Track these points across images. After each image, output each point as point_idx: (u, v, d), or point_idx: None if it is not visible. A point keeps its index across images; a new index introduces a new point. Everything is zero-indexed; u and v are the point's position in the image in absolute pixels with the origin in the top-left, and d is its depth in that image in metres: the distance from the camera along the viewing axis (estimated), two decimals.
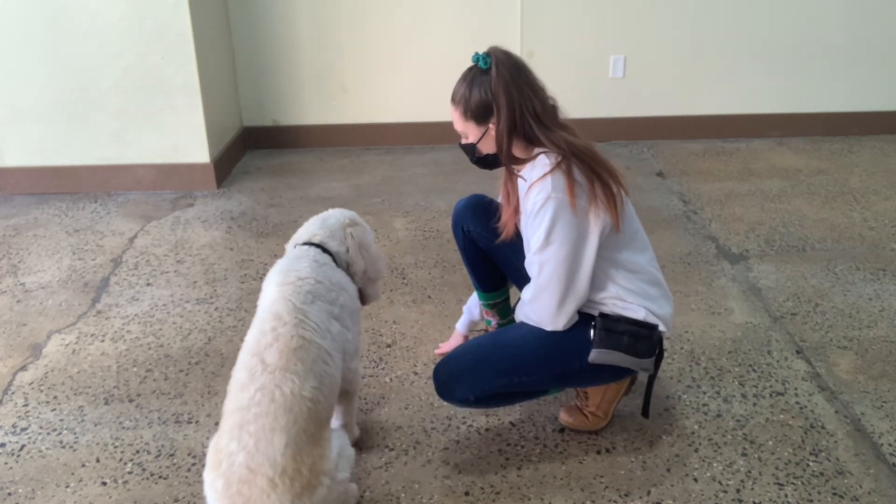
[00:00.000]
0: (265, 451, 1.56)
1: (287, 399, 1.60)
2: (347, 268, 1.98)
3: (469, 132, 1.92)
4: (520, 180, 1.93)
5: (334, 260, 1.94)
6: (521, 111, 1.83)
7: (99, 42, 3.78)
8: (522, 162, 1.91)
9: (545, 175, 1.81)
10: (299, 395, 1.62)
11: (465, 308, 2.47)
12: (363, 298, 2.07)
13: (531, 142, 1.87)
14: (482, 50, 1.88)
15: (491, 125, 1.87)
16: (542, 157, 1.85)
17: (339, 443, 1.70)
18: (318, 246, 1.95)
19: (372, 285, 2.08)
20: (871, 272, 3.00)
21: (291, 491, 1.55)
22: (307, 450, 1.59)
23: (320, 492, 1.58)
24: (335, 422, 1.96)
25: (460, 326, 2.47)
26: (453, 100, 1.91)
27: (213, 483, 1.62)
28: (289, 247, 2.02)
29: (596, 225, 1.81)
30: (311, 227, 2.02)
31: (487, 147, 1.91)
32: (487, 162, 1.96)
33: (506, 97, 1.81)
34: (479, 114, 1.86)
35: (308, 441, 1.60)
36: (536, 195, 1.81)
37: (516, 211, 1.99)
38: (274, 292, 1.79)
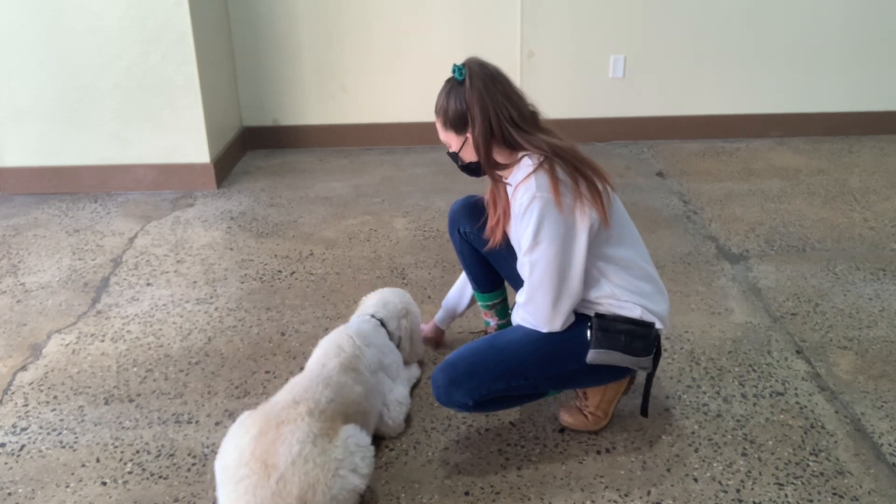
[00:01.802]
0: (312, 392, 1.87)
1: (340, 383, 1.95)
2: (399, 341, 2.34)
3: (450, 142, 1.97)
4: (509, 181, 1.94)
5: (389, 335, 2.29)
6: (498, 119, 1.86)
7: (99, 42, 3.78)
8: (506, 167, 1.93)
9: (529, 175, 1.82)
10: (351, 387, 1.97)
11: (443, 304, 2.53)
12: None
13: (512, 147, 1.90)
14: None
15: (468, 134, 1.91)
16: (525, 159, 1.87)
17: (365, 439, 1.86)
18: (380, 320, 2.30)
19: (411, 357, 2.40)
20: (871, 272, 3.00)
21: (320, 426, 1.76)
22: (342, 420, 1.84)
23: (338, 450, 1.75)
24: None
25: (439, 322, 2.54)
26: (435, 111, 1.97)
27: (248, 415, 1.83)
28: (353, 317, 2.36)
29: (583, 221, 1.82)
30: (374, 307, 2.36)
31: (469, 155, 1.96)
32: (472, 169, 2.00)
33: (479, 107, 1.86)
34: (456, 124, 1.92)
35: (345, 417, 1.86)
36: (522, 196, 1.83)
37: (504, 216, 2.02)
38: (335, 335, 2.18)
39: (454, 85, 1.90)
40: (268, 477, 1.66)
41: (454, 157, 2.00)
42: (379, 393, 2.09)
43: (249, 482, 1.67)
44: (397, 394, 2.17)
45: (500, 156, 1.92)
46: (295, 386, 1.94)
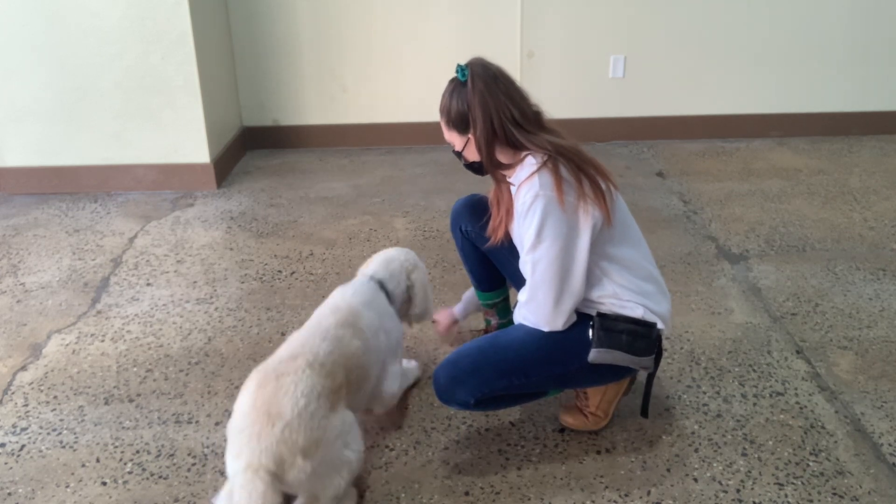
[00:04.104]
0: (310, 346, 1.83)
1: (338, 336, 1.90)
2: (400, 304, 2.24)
3: (454, 141, 1.99)
4: (512, 180, 1.94)
5: (388, 298, 2.18)
6: (500, 119, 1.87)
7: (99, 42, 3.78)
8: (510, 167, 1.93)
9: (532, 174, 1.83)
10: (349, 340, 1.91)
11: (464, 296, 2.52)
12: (409, 322, 2.34)
13: (515, 146, 1.90)
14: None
15: (471, 135, 1.92)
16: (528, 158, 1.88)
17: (355, 422, 1.83)
18: (378, 281, 2.19)
19: (422, 318, 2.33)
20: (871, 272, 3.00)
21: (322, 381, 1.75)
22: (342, 373, 1.82)
23: (338, 417, 1.75)
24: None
25: (458, 311, 2.52)
26: (440, 111, 1.97)
27: (253, 374, 1.80)
28: (359, 273, 2.26)
29: (586, 221, 1.82)
30: (376, 266, 2.24)
31: (472, 155, 1.97)
32: (476, 168, 2.01)
33: (481, 108, 1.86)
34: (459, 124, 1.93)
35: (345, 369, 1.83)
36: (525, 194, 1.83)
37: (507, 215, 2.02)
38: (335, 295, 2.11)
39: (457, 85, 1.91)
40: (272, 425, 1.65)
41: (458, 156, 2.01)
42: (379, 354, 2.02)
43: (253, 431, 1.65)
44: (395, 366, 2.13)
45: (502, 155, 1.92)
46: (292, 341, 1.91)
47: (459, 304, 2.53)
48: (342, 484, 1.74)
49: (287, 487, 1.67)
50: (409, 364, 2.35)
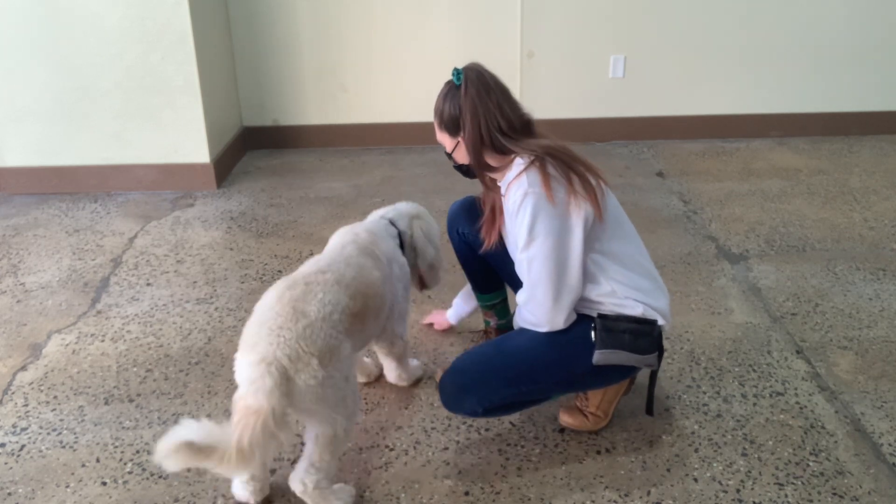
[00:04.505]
0: (337, 266, 1.86)
1: (360, 264, 1.93)
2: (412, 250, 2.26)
3: (444, 142, 2.01)
4: (502, 184, 1.95)
5: (400, 238, 2.21)
6: (487, 127, 1.89)
7: (99, 42, 3.78)
8: (498, 170, 1.94)
9: (520, 173, 1.84)
10: (370, 269, 1.93)
11: (454, 302, 2.57)
12: (423, 284, 2.36)
13: (503, 152, 1.92)
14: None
15: (461, 138, 1.94)
16: (517, 159, 1.89)
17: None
18: (389, 220, 2.23)
19: (433, 272, 2.33)
20: (871, 272, 3.00)
21: (346, 294, 1.78)
22: (361, 302, 1.83)
23: (347, 346, 1.76)
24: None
25: (452, 318, 2.58)
26: (434, 112, 2.00)
27: (279, 281, 1.83)
28: (370, 216, 2.29)
29: (578, 216, 1.82)
30: (383, 210, 2.31)
31: (461, 157, 1.99)
32: (465, 170, 2.03)
33: (471, 115, 1.89)
34: (450, 127, 1.95)
35: (365, 299, 1.85)
36: (514, 193, 1.84)
37: (499, 217, 2.03)
38: (344, 231, 2.13)
39: (451, 88, 1.93)
40: (296, 320, 1.66)
41: (450, 156, 2.03)
42: (392, 286, 2.05)
43: (275, 323, 1.66)
44: (404, 304, 2.16)
45: (491, 159, 1.94)
46: (319, 261, 1.92)
47: (451, 309, 2.56)
48: (339, 430, 1.73)
49: (292, 400, 1.63)
50: (413, 362, 2.36)
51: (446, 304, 2.79)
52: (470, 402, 1.93)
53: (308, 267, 1.90)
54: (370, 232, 2.09)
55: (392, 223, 2.22)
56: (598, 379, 2.00)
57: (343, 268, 1.87)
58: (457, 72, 1.91)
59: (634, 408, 2.18)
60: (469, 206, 2.27)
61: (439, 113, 1.97)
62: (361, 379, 2.35)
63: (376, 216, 2.25)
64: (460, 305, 2.56)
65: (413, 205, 2.34)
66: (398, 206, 2.31)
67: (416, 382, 2.35)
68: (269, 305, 1.73)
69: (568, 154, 1.88)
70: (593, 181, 1.86)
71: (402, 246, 2.21)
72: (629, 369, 1.98)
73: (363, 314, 1.85)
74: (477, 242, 2.22)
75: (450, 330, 2.63)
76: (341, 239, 2.07)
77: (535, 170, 1.82)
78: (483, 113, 1.88)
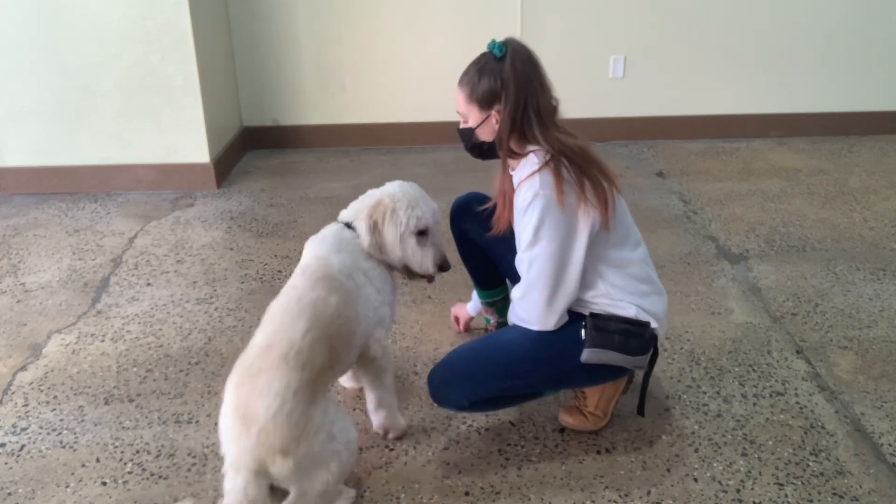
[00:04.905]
0: (286, 332, 1.76)
1: (314, 300, 1.82)
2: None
3: (470, 116, 1.93)
4: (513, 175, 1.94)
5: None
6: (526, 105, 1.84)
7: (99, 42, 3.78)
8: (515, 156, 1.91)
9: (533, 173, 1.82)
10: (325, 300, 1.83)
11: (473, 294, 2.54)
12: (410, 273, 2.10)
13: (525, 138, 1.88)
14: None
15: (494, 112, 1.88)
16: (531, 155, 1.87)
17: (340, 414, 1.81)
18: (347, 224, 2.04)
19: (412, 270, 2.08)
20: (871, 272, 3.00)
21: (300, 374, 1.70)
22: (323, 350, 1.76)
23: (320, 409, 1.72)
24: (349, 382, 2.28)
25: (471, 309, 2.55)
26: (460, 82, 1.92)
27: (234, 368, 1.78)
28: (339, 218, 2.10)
29: (585, 223, 1.82)
30: (355, 203, 2.08)
31: (485, 134, 1.93)
32: (481, 150, 1.97)
33: (515, 88, 1.83)
34: (483, 99, 1.88)
35: (326, 342, 1.77)
36: (525, 192, 1.83)
37: (510, 205, 2.00)
38: (302, 259, 2.02)
39: (490, 59, 1.87)
40: (248, 429, 1.65)
41: (467, 133, 1.96)
42: (363, 299, 1.92)
43: (232, 434, 1.68)
44: (384, 309, 2.01)
45: (513, 143, 1.90)
46: (269, 322, 1.82)
47: (471, 302, 2.56)
48: (330, 478, 1.72)
49: (275, 481, 1.68)
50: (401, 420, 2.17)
51: (447, 305, 2.79)
52: (456, 395, 1.92)
53: (262, 331, 1.81)
54: (317, 256, 1.95)
55: (349, 226, 2.03)
56: (588, 377, 2.00)
57: (293, 326, 1.76)
58: (497, 44, 1.86)
59: (634, 407, 2.18)
60: (472, 202, 2.26)
61: (472, 83, 1.88)
62: (352, 384, 2.32)
63: (334, 224, 2.06)
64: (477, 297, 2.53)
65: (397, 190, 2.06)
66: (366, 199, 2.06)
67: (401, 437, 2.13)
68: (225, 413, 1.72)
69: (584, 157, 1.85)
70: (606, 187, 1.84)
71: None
72: (619, 369, 1.97)
73: (329, 366, 1.78)
74: (479, 238, 2.22)
75: (454, 329, 2.62)
76: (294, 272, 1.96)
77: (549, 171, 1.81)
78: (526, 89, 1.84)
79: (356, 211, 2.05)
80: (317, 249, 1.98)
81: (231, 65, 4.45)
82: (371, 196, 2.07)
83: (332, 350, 1.79)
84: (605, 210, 1.83)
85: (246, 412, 1.67)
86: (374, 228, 1.98)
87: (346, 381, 2.31)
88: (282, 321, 1.80)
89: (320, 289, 1.85)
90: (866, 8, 4.41)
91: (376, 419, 2.09)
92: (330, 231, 2.04)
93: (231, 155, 4.34)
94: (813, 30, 4.45)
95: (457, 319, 2.61)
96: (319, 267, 1.92)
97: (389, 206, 2.00)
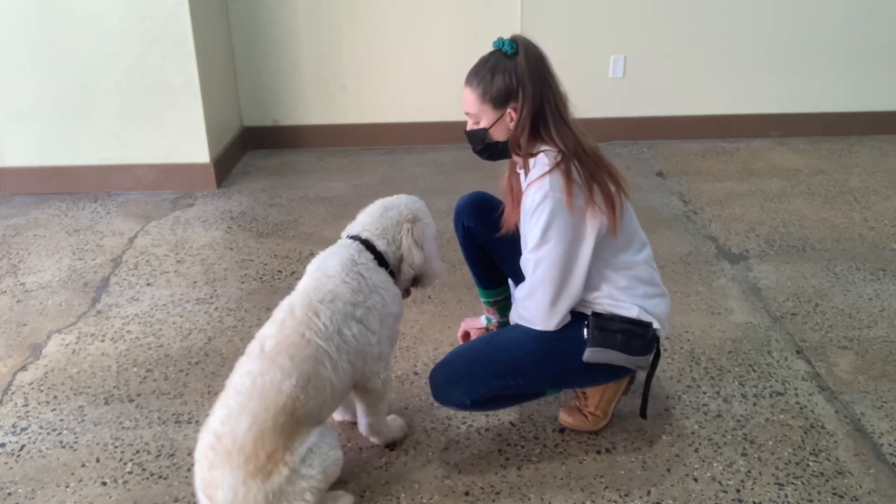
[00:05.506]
0: (232, 425, 1.67)
1: (264, 387, 1.70)
2: (398, 263, 1.96)
3: (483, 116, 1.90)
4: (521, 174, 1.94)
5: (381, 258, 1.92)
6: (542, 101, 1.83)
7: (99, 42, 3.78)
8: (529, 155, 1.90)
9: (543, 175, 1.81)
10: (277, 387, 1.70)
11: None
12: (418, 283, 2.05)
13: (539, 136, 1.86)
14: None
15: (509, 110, 1.86)
16: (542, 156, 1.86)
17: (316, 441, 1.72)
18: (364, 241, 1.92)
19: (427, 279, 2.05)
20: (871, 272, 3.00)
21: (244, 469, 1.64)
22: (271, 437, 1.66)
23: (276, 479, 1.65)
24: (339, 415, 2.13)
25: (483, 320, 2.43)
26: (470, 82, 1.88)
27: (198, 447, 1.73)
28: (343, 234, 1.99)
29: (593, 226, 1.82)
30: (367, 219, 1.97)
31: (499, 134, 1.90)
32: (494, 150, 1.94)
33: (532, 84, 1.82)
34: (499, 98, 1.85)
35: (274, 430, 1.67)
36: (534, 193, 1.82)
37: (518, 205, 1.99)
38: (301, 283, 1.89)
39: (500, 57, 1.84)
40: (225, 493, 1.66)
41: (478, 135, 1.92)
42: (344, 359, 1.79)
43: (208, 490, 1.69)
44: (385, 347, 1.91)
45: (526, 141, 1.88)
46: (223, 399, 1.73)
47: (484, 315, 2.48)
48: (311, 499, 1.70)
49: None
50: (396, 421, 2.12)
51: (447, 305, 2.79)
52: (457, 394, 1.92)
53: (219, 406, 1.72)
54: (303, 311, 1.78)
55: (369, 244, 1.91)
56: (589, 377, 2.00)
57: (236, 421, 1.67)
58: (506, 41, 1.83)
59: (635, 408, 2.18)
60: (477, 201, 2.25)
61: (485, 83, 1.84)
62: (340, 417, 2.18)
63: (348, 242, 1.92)
64: None
65: (411, 202, 2.03)
66: (386, 213, 1.97)
67: (392, 445, 2.09)
68: (197, 486, 1.72)
69: (596, 160, 1.85)
70: (615, 192, 1.84)
71: (385, 262, 1.93)
72: (621, 369, 1.97)
73: (282, 447, 1.67)
74: (483, 236, 2.22)
75: (452, 330, 2.62)
76: (270, 323, 1.82)
77: (559, 173, 1.80)
78: (542, 84, 1.82)
79: (382, 229, 1.94)
80: (317, 284, 1.83)
81: (231, 65, 4.45)
82: (384, 208, 1.98)
83: (283, 430, 1.68)
84: (613, 215, 1.82)
85: (212, 495, 1.68)
86: (416, 243, 1.93)
87: (336, 414, 2.17)
88: (230, 411, 1.68)
89: (276, 370, 1.71)
90: (866, 8, 4.41)
91: (362, 424, 2.03)
92: (338, 259, 1.87)
93: (231, 155, 4.34)
94: (813, 30, 4.44)
95: (466, 335, 2.41)
96: (293, 333, 1.75)
97: (419, 218, 1.97)
